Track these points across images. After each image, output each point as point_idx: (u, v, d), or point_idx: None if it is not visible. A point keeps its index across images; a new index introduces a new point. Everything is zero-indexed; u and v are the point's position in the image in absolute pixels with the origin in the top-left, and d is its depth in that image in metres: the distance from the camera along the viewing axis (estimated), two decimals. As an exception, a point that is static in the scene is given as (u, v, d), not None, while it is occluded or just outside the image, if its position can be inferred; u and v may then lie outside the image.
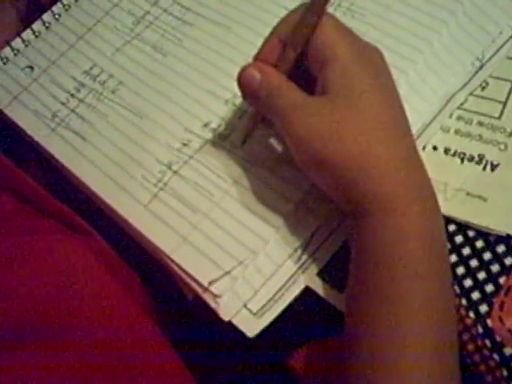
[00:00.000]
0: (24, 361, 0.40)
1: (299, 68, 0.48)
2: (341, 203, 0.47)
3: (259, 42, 0.49)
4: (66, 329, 0.43)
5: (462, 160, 0.53)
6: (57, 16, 0.66)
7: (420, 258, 0.42)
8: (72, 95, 0.61)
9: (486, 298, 0.48)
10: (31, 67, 0.63)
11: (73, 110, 0.60)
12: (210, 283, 0.49)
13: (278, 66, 0.47)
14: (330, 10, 0.58)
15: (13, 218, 0.50)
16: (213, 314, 0.50)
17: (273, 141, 0.54)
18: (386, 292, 0.42)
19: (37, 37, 0.65)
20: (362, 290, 0.44)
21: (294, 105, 0.45)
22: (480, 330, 0.47)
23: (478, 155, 0.52)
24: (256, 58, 0.49)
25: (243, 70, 0.48)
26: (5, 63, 0.64)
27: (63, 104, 0.60)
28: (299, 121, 0.45)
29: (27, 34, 0.65)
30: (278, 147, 0.53)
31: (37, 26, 0.66)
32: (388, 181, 0.43)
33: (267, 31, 0.49)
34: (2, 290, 0.42)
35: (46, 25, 0.66)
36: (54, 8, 0.66)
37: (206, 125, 0.56)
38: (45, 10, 0.66)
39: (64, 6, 0.66)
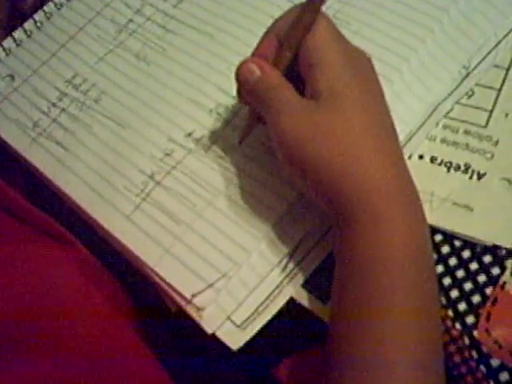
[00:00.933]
0: (6, 364, 0.39)
1: (292, 68, 0.47)
2: (325, 209, 0.46)
3: (243, 51, 0.49)
4: (46, 337, 0.42)
5: (449, 169, 0.52)
6: (39, 24, 0.65)
7: (404, 269, 0.42)
8: (54, 104, 0.60)
9: (472, 308, 0.47)
10: (12, 76, 0.63)
11: (54, 120, 0.59)
12: (193, 296, 0.49)
13: (274, 64, 0.47)
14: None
15: None
16: (196, 326, 0.49)
17: (257, 145, 0.53)
18: (369, 304, 0.42)
19: (18, 45, 0.65)
20: (346, 301, 0.43)
21: (287, 105, 0.45)
22: (466, 341, 0.47)
23: (465, 164, 0.52)
24: (253, 54, 0.48)
25: (243, 64, 0.47)
26: (-15, 72, 0.63)
27: (45, 113, 0.60)
28: (288, 122, 0.45)
29: (8, 43, 0.65)
30: (262, 152, 0.53)
31: (18, 34, 0.65)
32: (373, 189, 0.43)
33: (251, 39, 0.49)
34: None
35: (28, 33, 0.65)
36: (36, 16, 0.66)
37: (189, 134, 0.55)
38: (26, 18, 0.65)
39: (46, 14, 0.66)
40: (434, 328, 0.43)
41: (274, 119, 0.46)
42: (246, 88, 0.48)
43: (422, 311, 0.42)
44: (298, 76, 0.47)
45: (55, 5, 0.66)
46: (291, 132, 0.44)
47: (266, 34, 0.48)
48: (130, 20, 0.64)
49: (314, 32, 0.46)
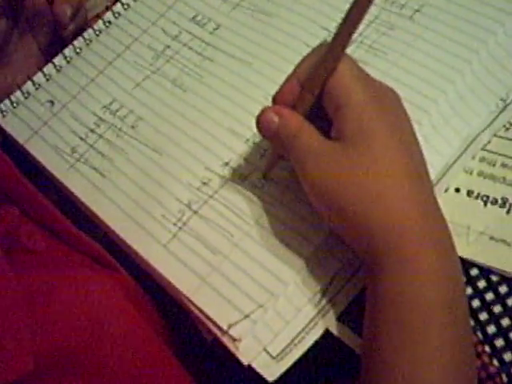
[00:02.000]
0: None
1: (318, 109, 0.47)
2: (357, 251, 0.46)
3: (280, 79, 0.49)
4: (95, 366, 0.43)
5: (485, 203, 0.52)
6: (78, 50, 0.66)
7: (434, 309, 0.42)
8: (92, 130, 0.61)
9: (510, 345, 0.47)
10: (52, 102, 0.63)
11: (92, 146, 0.60)
12: (230, 326, 0.49)
13: (296, 107, 0.47)
14: (351, 47, 0.58)
15: (45, 252, 0.49)
16: (232, 357, 0.49)
17: (293, 176, 0.53)
18: (401, 346, 0.42)
19: (58, 71, 0.65)
20: (376, 337, 0.43)
21: (310, 149, 0.45)
22: (504, 378, 0.46)
23: (502, 198, 0.52)
24: (274, 99, 0.49)
25: (261, 114, 0.48)
26: (26, 97, 0.64)
27: (82, 139, 0.60)
28: (313, 166, 0.45)
29: (48, 69, 0.65)
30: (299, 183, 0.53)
31: (58, 60, 0.66)
32: (405, 232, 0.43)
33: (288, 68, 0.49)
34: (32, 324, 0.41)
35: (68, 59, 0.66)
36: (76, 42, 0.66)
37: (226, 163, 0.55)
38: (66, 45, 0.66)
39: (85, 40, 0.66)
40: (467, 363, 0.43)
41: (298, 165, 0.46)
42: (268, 137, 0.48)
43: (455, 348, 0.42)
44: (324, 117, 0.47)
45: (94, 31, 0.67)
46: (316, 177, 0.45)
47: (288, 77, 0.48)
48: (168, 46, 0.65)
49: (338, 73, 0.46)
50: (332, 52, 0.45)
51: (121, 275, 0.52)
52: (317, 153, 0.45)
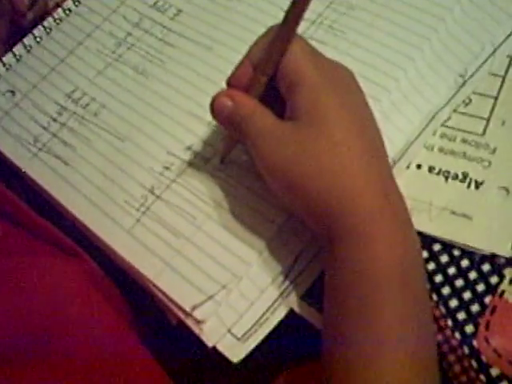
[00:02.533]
0: (13, 377, 0.39)
1: (272, 91, 0.48)
2: (313, 228, 0.46)
3: (241, 62, 0.49)
4: (60, 346, 0.43)
5: (447, 178, 0.52)
6: (38, 39, 0.66)
7: (393, 285, 0.42)
8: (54, 119, 0.61)
9: (471, 318, 0.48)
10: (12, 91, 0.63)
11: (55, 135, 0.60)
12: (193, 308, 0.49)
13: (249, 90, 0.47)
14: (311, 28, 0.59)
15: (4, 240, 0.49)
16: (197, 339, 0.49)
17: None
18: (357, 316, 0.42)
19: (18, 60, 0.65)
20: (335, 314, 0.44)
21: (264, 131, 0.46)
22: (466, 350, 0.47)
23: (462, 173, 0.52)
24: (228, 82, 0.49)
25: (215, 99, 0.48)
26: (-14, 88, 0.64)
27: (45, 128, 0.60)
28: (268, 146, 0.45)
29: (8, 58, 0.65)
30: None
31: (18, 49, 0.65)
32: (360, 206, 0.43)
33: (249, 51, 0.49)
34: None
35: (27, 48, 0.65)
36: (35, 31, 0.66)
37: (188, 147, 0.55)
38: (25, 34, 0.65)
39: (45, 28, 0.66)
40: (427, 336, 0.43)
41: (253, 147, 0.46)
42: (223, 121, 0.49)
43: (413, 322, 0.42)
44: (279, 99, 0.47)
45: (54, 20, 0.66)
46: (271, 156, 0.45)
47: (241, 60, 0.48)
48: (129, 33, 0.64)
49: (290, 54, 0.46)
50: (283, 33, 0.46)
51: (85, 262, 0.52)
52: (271, 134, 0.45)
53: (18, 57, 0.65)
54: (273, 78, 0.47)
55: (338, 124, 0.44)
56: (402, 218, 0.44)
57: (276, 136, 0.45)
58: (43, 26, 0.66)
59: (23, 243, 0.51)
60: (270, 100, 0.47)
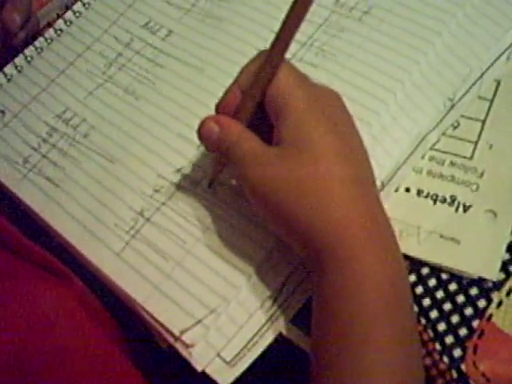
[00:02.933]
0: None
1: (260, 116, 0.48)
2: (300, 254, 0.47)
3: (231, 84, 0.49)
4: (51, 370, 0.43)
5: (435, 201, 0.53)
6: (29, 59, 0.66)
7: (377, 310, 0.42)
8: (44, 140, 0.61)
9: (459, 341, 0.48)
10: (2, 111, 0.63)
11: (45, 156, 0.60)
12: (182, 332, 0.49)
13: (237, 115, 0.48)
14: (301, 51, 0.59)
15: None
16: (187, 363, 0.49)
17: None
18: (344, 342, 0.42)
19: (9, 80, 0.65)
20: (323, 339, 0.44)
21: (251, 157, 0.46)
22: (454, 375, 0.47)
23: (451, 196, 0.52)
24: (216, 108, 0.49)
25: (202, 124, 0.48)
26: (-24, 107, 0.64)
27: (35, 149, 0.60)
28: (253, 172, 0.45)
29: (-1, 78, 0.65)
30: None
31: (9, 69, 0.66)
32: (344, 234, 0.43)
33: (239, 73, 0.49)
34: None
35: (18, 68, 0.66)
36: (27, 51, 0.66)
37: (178, 170, 0.56)
38: (17, 53, 0.65)
39: (36, 48, 0.66)
40: (413, 362, 0.43)
41: (239, 172, 0.47)
42: (210, 146, 0.49)
43: (399, 347, 0.42)
44: (267, 125, 0.47)
45: (46, 39, 0.66)
46: (256, 182, 0.45)
47: (230, 86, 0.49)
48: (120, 54, 0.65)
49: (278, 79, 0.46)
50: (271, 58, 0.46)
51: (74, 285, 0.52)
52: (256, 159, 0.45)
53: (8, 76, 0.65)
54: (261, 104, 0.47)
55: (323, 151, 0.44)
56: (388, 243, 0.44)
57: (261, 162, 0.45)
58: (34, 46, 0.66)
59: (11, 267, 0.50)
60: (259, 125, 0.48)
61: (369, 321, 0.42)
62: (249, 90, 0.47)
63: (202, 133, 0.49)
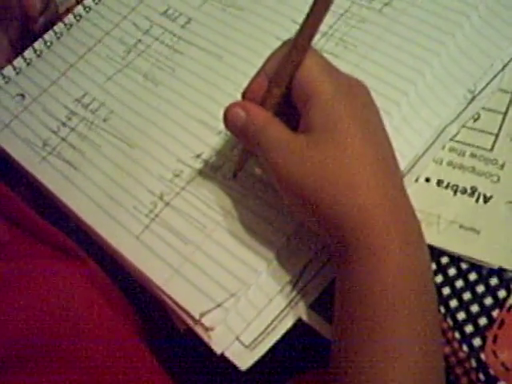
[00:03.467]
0: (24, 381, 0.39)
1: (287, 104, 0.48)
2: (325, 240, 0.47)
3: (250, 72, 0.49)
4: (66, 351, 0.43)
5: (455, 192, 0.53)
6: (49, 44, 0.66)
7: (403, 298, 0.42)
8: (63, 124, 0.61)
9: (479, 331, 0.48)
10: (22, 95, 0.63)
11: (64, 139, 0.60)
12: (202, 315, 0.49)
13: (264, 102, 0.48)
14: (321, 40, 0.59)
15: (9, 243, 0.49)
16: (205, 346, 0.49)
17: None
18: (368, 330, 0.42)
19: (28, 64, 0.65)
20: (346, 325, 0.44)
21: (278, 143, 0.46)
22: (474, 363, 0.47)
23: (471, 187, 0.52)
24: (243, 95, 0.49)
25: (228, 109, 0.48)
26: (-4, 91, 0.64)
27: (54, 132, 0.60)
28: (281, 159, 0.45)
29: (18, 62, 0.65)
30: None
31: (28, 53, 0.66)
32: (370, 221, 0.43)
33: (258, 61, 0.49)
34: (2, 313, 0.41)
35: (38, 52, 0.66)
36: (46, 36, 0.66)
37: (198, 156, 0.56)
38: (36, 38, 0.65)
39: (56, 33, 0.66)
40: (435, 349, 0.43)
41: (266, 159, 0.46)
42: (235, 132, 0.49)
43: (422, 336, 0.42)
44: (293, 112, 0.47)
45: (65, 25, 0.67)
46: (285, 169, 0.45)
47: (256, 73, 0.49)
48: (139, 40, 0.65)
49: (305, 66, 0.46)
50: (297, 46, 0.46)
51: (87, 266, 0.52)
52: (285, 146, 0.45)
53: (28, 61, 0.65)
54: (288, 92, 0.47)
55: (353, 137, 0.44)
56: (413, 231, 0.45)
57: (290, 149, 0.45)
58: (54, 31, 0.66)
59: (27, 247, 0.50)
60: (285, 114, 0.48)
61: (393, 307, 0.42)
62: (275, 78, 0.47)
63: (228, 119, 0.48)
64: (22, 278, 0.46)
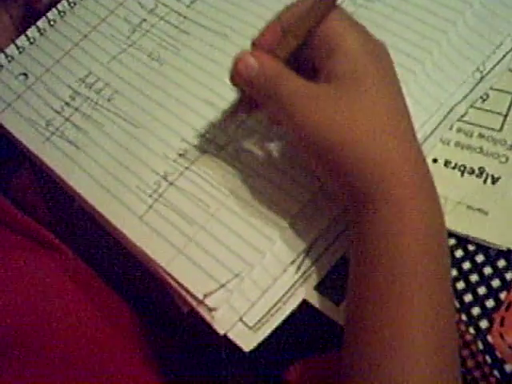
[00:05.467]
0: None
1: (296, 59, 0.47)
2: (342, 194, 0.46)
3: (256, 51, 0.49)
4: (37, 344, 0.42)
5: (463, 173, 0.52)
6: (52, 23, 0.65)
7: (417, 253, 0.42)
8: (67, 103, 0.60)
9: (486, 313, 0.47)
10: (25, 74, 0.63)
11: (67, 119, 0.59)
12: (205, 296, 0.48)
13: (276, 52, 0.46)
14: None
15: None
16: (208, 327, 0.49)
17: (270, 146, 0.53)
18: (384, 288, 0.41)
19: (31, 43, 0.65)
20: (361, 290, 0.43)
21: (296, 93, 0.44)
22: (480, 346, 0.46)
23: (479, 168, 0.52)
24: (254, 43, 0.48)
25: (239, 59, 0.47)
26: (-1, 70, 0.63)
27: (58, 112, 0.60)
28: (302, 107, 0.44)
29: (21, 41, 0.64)
30: (276, 153, 0.52)
31: (31, 32, 0.65)
32: (390, 172, 0.43)
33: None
34: None
35: (41, 31, 0.65)
36: (49, 14, 0.65)
37: (202, 135, 0.55)
38: (40, 17, 0.65)
39: (59, 12, 0.66)
40: (449, 314, 0.43)
41: (283, 109, 0.45)
42: (245, 82, 0.47)
43: (437, 295, 0.42)
44: (302, 67, 0.47)
45: (69, 3, 0.66)
46: (309, 118, 0.44)
47: (270, 23, 0.48)
48: (144, 20, 0.64)
49: (331, 20, 0.45)
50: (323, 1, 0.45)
51: (64, 255, 0.51)
52: (305, 94, 0.44)
53: (31, 40, 0.65)
54: (301, 46, 0.46)
55: (376, 88, 0.44)
56: (429, 184, 0.44)
57: (311, 97, 0.44)
58: (57, 10, 0.66)
59: (2, 237, 0.49)
60: (293, 68, 0.47)
61: (413, 272, 0.41)
62: (294, 28, 0.46)
63: (238, 68, 0.47)
64: None
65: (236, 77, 0.47)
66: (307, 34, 0.46)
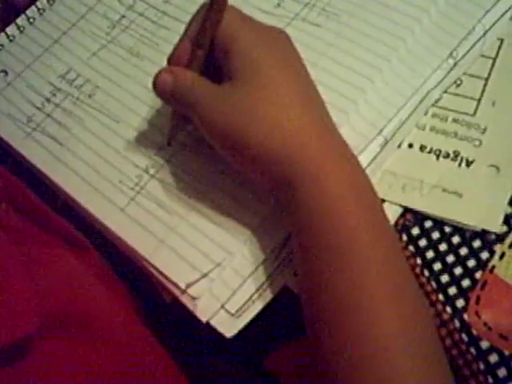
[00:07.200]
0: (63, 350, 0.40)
1: (211, 67, 0.49)
2: (271, 188, 0.48)
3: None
4: (87, 330, 0.43)
5: (438, 157, 0.53)
6: (31, 20, 0.66)
7: (357, 230, 0.43)
8: (48, 100, 0.61)
9: (462, 292, 0.48)
10: (5, 71, 0.63)
11: (49, 115, 0.60)
12: (188, 286, 0.49)
13: (190, 65, 0.49)
14: (304, 10, 0.59)
15: (21, 231, 0.49)
16: (191, 316, 0.50)
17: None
18: (332, 254, 0.43)
19: (11, 40, 0.65)
20: (308, 260, 0.45)
21: (204, 97, 0.47)
22: (457, 324, 0.48)
23: (454, 152, 0.53)
24: (168, 61, 0.50)
25: (156, 76, 0.49)
26: (-22, 68, 0.64)
27: (39, 109, 0.60)
28: (208, 109, 0.47)
29: (1, 38, 0.65)
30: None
31: (11, 29, 0.66)
32: (306, 149, 0.45)
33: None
34: (33, 288, 0.41)
35: (21, 29, 0.65)
36: (29, 11, 0.66)
37: (182, 129, 0.56)
38: (19, 14, 0.65)
39: (39, 9, 0.66)
40: (397, 259, 0.45)
41: (198, 115, 0.47)
42: (166, 97, 0.50)
43: (379, 241, 0.44)
44: (219, 72, 0.49)
45: (47, 1, 0.66)
46: (212, 118, 0.47)
47: (180, 38, 0.50)
48: (123, 16, 0.65)
49: (224, 23, 0.48)
50: (214, 5, 0.48)
51: (91, 254, 0.52)
52: (212, 98, 0.47)
53: (11, 37, 0.65)
54: (210, 51, 0.49)
55: (272, 77, 0.46)
56: (346, 150, 0.46)
57: (215, 98, 0.47)
58: (36, 7, 0.66)
59: (37, 236, 0.50)
60: (209, 76, 0.49)
61: (350, 241, 0.43)
62: (197, 40, 0.49)
63: (157, 85, 0.50)
64: (40, 259, 0.46)
65: (157, 93, 0.50)
66: (211, 41, 0.48)
